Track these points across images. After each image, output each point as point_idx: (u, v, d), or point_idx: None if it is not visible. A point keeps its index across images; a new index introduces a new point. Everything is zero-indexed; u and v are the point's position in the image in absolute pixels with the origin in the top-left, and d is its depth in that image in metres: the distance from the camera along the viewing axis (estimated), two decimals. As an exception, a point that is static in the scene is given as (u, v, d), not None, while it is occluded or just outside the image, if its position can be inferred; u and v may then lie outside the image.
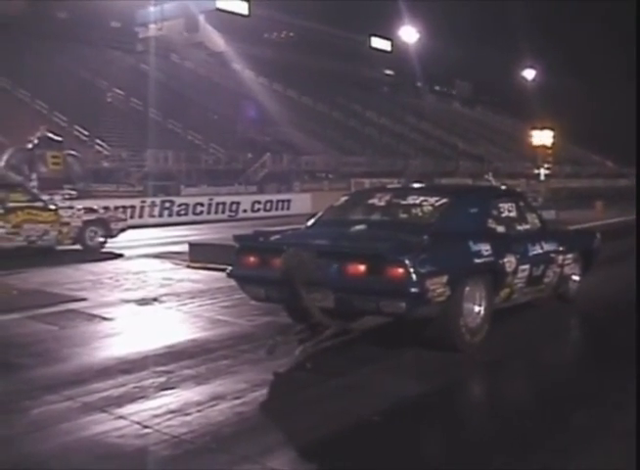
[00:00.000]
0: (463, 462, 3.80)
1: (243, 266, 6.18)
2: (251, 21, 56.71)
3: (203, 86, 45.70)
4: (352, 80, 60.38)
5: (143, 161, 31.74)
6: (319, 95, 52.53)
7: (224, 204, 25.44)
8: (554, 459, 3.79)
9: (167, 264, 11.56)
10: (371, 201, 6.99)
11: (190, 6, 54.22)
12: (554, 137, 40.66)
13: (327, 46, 61.17)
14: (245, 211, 25.86)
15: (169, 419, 4.29)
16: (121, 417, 4.33)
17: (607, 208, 22.31)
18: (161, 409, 4.46)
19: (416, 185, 8.74)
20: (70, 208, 14.19)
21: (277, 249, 5.83)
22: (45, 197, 14.23)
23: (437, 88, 74.08)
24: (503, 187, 13.74)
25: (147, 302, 8.20)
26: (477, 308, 5.95)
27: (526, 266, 6.57)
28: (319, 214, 7.14)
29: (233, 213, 25.27)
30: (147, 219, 21.99)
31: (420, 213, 6.50)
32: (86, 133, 32.37)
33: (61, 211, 13.39)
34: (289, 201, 28.16)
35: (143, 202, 22.89)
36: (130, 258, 12.74)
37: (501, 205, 6.83)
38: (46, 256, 12.60)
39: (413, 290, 5.20)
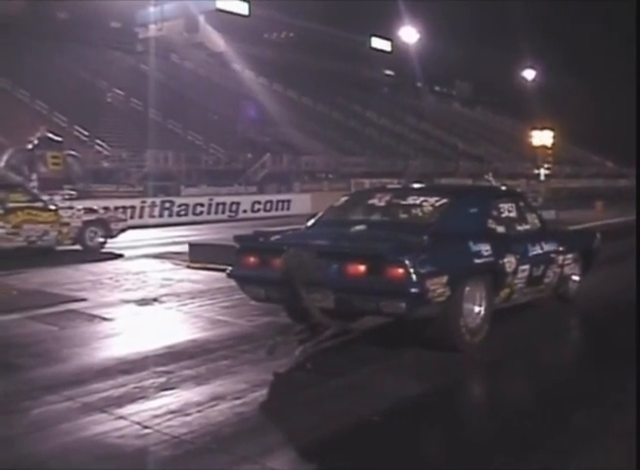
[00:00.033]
0: (463, 462, 3.81)
1: (243, 267, 6.18)
2: (251, 21, 56.73)
3: (203, 87, 45.71)
4: (352, 81, 60.38)
5: (143, 161, 31.75)
6: (319, 95, 52.53)
7: (224, 204, 25.44)
8: (554, 459, 3.79)
9: (167, 265, 11.56)
10: (371, 201, 6.99)
11: (190, 6, 54.23)
12: (554, 137, 40.71)
13: (327, 46, 61.17)
14: (245, 211, 25.86)
15: (169, 419, 4.29)
16: (121, 417, 4.33)
17: (607, 208, 22.33)
18: (162, 410, 4.46)
19: (416, 185, 8.73)
20: (70, 208, 14.19)
21: (277, 249, 5.83)
22: (45, 197, 14.22)
23: (437, 88, 74.08)
24: (503, 187, 13.74)
25: (147, 302, 8.20)
26: (477, 309, 5.95)
27: (526, 267, 6.57)
28: (319, 215, 7.14)
29: (233, 214, 25.27)
30: (147, 220, 21.99)
31: (420, 214, 6.50)
32: (86, 133, 32.37)
33: (61, 212, 13.39)
34: (289, 201, 28.16)
35: (143, 202, 22.89)
36: (130, 258, 12.73)
37: (501, 205, 6.83)
38: (46, 256, 12.60)
39: (413, 290, 5.20)
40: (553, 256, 7.17)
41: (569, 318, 7.73)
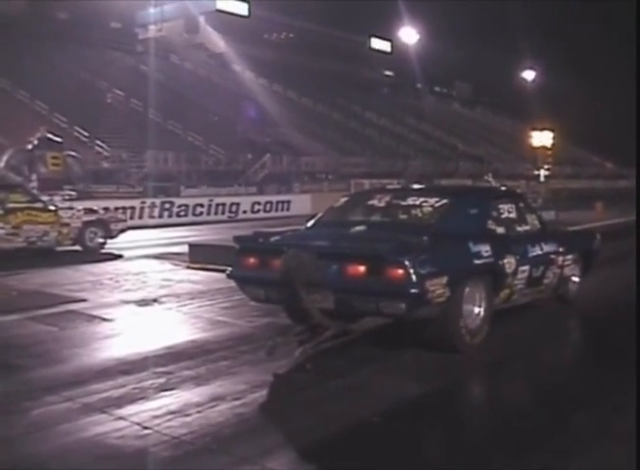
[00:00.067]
0: (463, 463, 3.81)
1: (243, 267, 6.18)
2: (252, 22, 56.73)
3: (203, 87, 45.72)
4: (352, 81, 60.39)
5: (143, 162, 31.75)
6: (319, 96, 52.54)
7: (224, 205, 25.44)
8: (554, 460, 3.79)
9: (167, 265, 11.56)
10: (371, 202, 6.99)
11: (190, 7, 54.23)
12: (554, 138, 40.70)
13: (327, 47, 61.17)
14: (244, 211, 25.86)
15: (169, 420, 4.29)
16: (121, 418, 4.33)
17: (607, 209, 22.34)
18: (161, 410, 4.46)
19: (416, 186, 8.73)
20: (70, 208, 14.19)
21: (277, 250, 5.83)
22: (45, 198, 14.24)
23: (437, 89, 74.08)
24: (503, 188, 13.74)
25: (147, 302, 8.20)
26: (476, 310, 5.95)
27: (526, 267, 6.57)
28: (319, 215, 7.14)
29: (233, 214, 25.26)
30: (147, 220, 22.00)
31: (420, 214, 6.50)
32: (86, 134, 32.37)
33: (60, 212, 13.39)
34: (288, 202, 28.16)
35: (143, 203, 22.89)
36: (130, 258, 12.73)
37: (501, 206, 6.83)
38: (46, 256, 12.60)
39: (413, 291, 5.21)
40: (553, 256, 7.17)
41: (568, 319, 7.74)
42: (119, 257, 13.01)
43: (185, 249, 12.12)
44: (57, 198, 17.60)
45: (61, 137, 24.52)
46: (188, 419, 4.31)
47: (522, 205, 7.23)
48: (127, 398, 4.73)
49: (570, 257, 7.54)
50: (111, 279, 10.11)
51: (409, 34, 58.52)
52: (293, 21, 59.37)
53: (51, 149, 22.94)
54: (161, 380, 5.09)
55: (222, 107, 42.46)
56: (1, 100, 32.79)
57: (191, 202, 24.76)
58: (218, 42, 54.74)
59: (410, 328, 5.83)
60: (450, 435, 4.29)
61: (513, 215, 6.91)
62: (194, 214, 24.10)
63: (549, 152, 40.63)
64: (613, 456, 3.87)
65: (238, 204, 26.01)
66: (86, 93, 36.26)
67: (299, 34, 63.00)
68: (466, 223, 6.30)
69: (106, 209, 16.94)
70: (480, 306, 5.97)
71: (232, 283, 6.56)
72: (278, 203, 27.84)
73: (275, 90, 51.76)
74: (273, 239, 6.46)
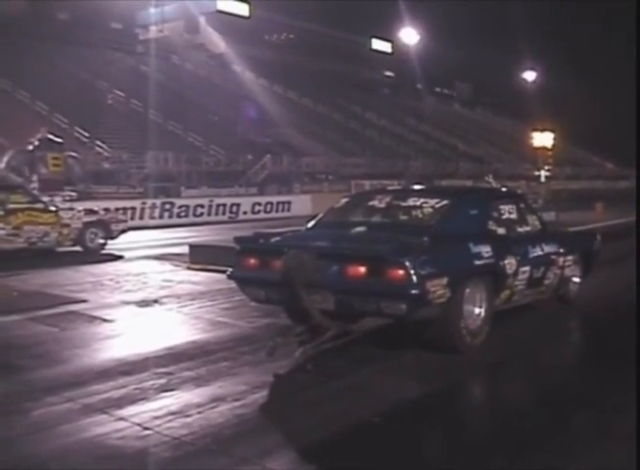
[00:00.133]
0: (463, 463, 3.81)
1: (243, 268, 6.19)
2: (252, 22, 56.74)
3: (203, 88, 45.72)
4: (353, 82, 60.39)
5: (143, 162, 31.74)
6: (319, 96, 52.54)
7: (224, 205, 25.43)
8: (554, 461, 3.79)
9: (168, 266, 11.56)
10: (371, 203, 6.99)
11: (190, 7, 54.24)
12: (554, 139, 40.63)
13: (327, 48, 61.19)
14: (245, 212, 25.86)
15: (170, 421, 4.29)
16: (122, 419, 4.34)
17: (607, 209, 22.34)
18: (162, 411, 4.46)
19: (416, 187, 8.73)
20: (71, 209, 14.19)
21: (277, 250, 5.84)
22: (45, 198, 14.24)
23: (438, 90, 74.07)
24: (503, 189, 13.73)
25: (147, 303, 8.21)
26: (477, 310, 5.95)
27: (527, 268, 6.57)
28: (319, 216, 7.14)
29: (233, 215, 25.27)
30: (147, 221, 22.00)
31: (420, 215, 6.51)
32: (87, 135, 32.38)
33: (61, 213, 13.39)
34: (289, 202, 28.16)
35: (143, 203, 22.89)
36: (130, 259, 12.74)
37: (501, 206, 6.83)
38: (46, 257, 12.61)
39: (413, 291, 5.21)
40: (553, 257, 7.17)
41: (569, 320, 7.74)
42: (120, 257, 13.01)
43: (185, 249, 12.12)
44: (57, 198, 17.62)
45: (61, 138, 24.53)
46: (188, 420, 4.31)
47: (522, 205, 7.23)
48: (128, 398, 4.73)
49: (570, 257, 7.55)
50: (111, 280, 10.12)
51: (410, 35, 58.49)
52: (293, 21, 59.38)
53: (51, 149, 22.95)
54: (162, 381, 5.10)
55: (222, 107, 42.47)
56: (1, 100, 32.80)
57: (191, 202, 24.76)
58: (219, 43, 54.76)
59: (410, 329, 5.84)
60: (451, 435, 4.29)
61: (513, 216, 6.92)
62: (194, 215, 24.10)
63: (549, 152, 40.55)
64: (613, 456, 3.87)
65: (238, 204, 26.01)
66: (87, 93, 36.27)
67: (300, 35, 63.01)
68: (466, 224, 6.31)
69: (106, 209, 16.92)
70: (480, 307, 5.97)
71: (232, 284, 6.57)
72: (278, 203, 27.84)
73: (275, 91, 51.77)
74: (273, 240, 6.46)
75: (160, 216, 23.07)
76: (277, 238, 6.51)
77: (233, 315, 7.39)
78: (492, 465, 3.76)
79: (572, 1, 67.95)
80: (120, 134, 34.38)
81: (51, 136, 23.26)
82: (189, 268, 11.14)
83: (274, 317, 6.88)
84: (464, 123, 65.16)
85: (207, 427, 4.20)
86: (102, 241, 13.85)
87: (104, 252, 13.66)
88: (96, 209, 15.02)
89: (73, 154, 25.48)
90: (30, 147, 22.57)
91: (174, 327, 7.08)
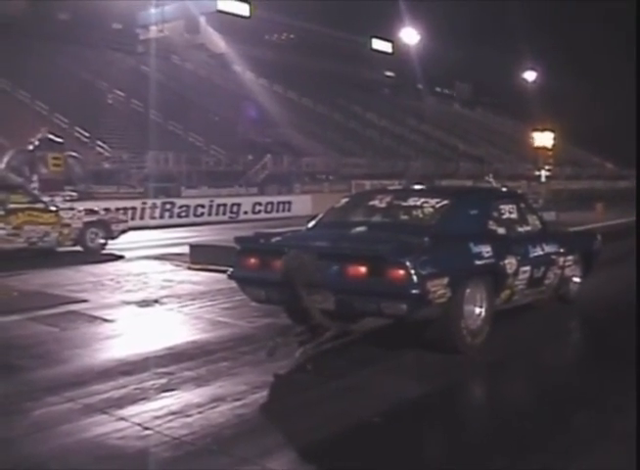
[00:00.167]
0: (463, 463, 3.81)
1: (243, 268, 6.19)
2: (252, 22, 56.74)
3: (203, 88, 45.72)
4: (353, 82, 60.36)
5: (144, 162, 31.72)
6: (320, 97, 52.53)
7: (225, 205, 25.43)
8: (554, 461, 3.79)
9: (168, 266, 11.56)
10: (371, 202, 6.99)
11: (191, 7, 54.24)
12: (554, 139, 40.63)
13: (328, 48, 61.19)
14: (245, 212, 25.85)
15: (170, 421, 4.29)
16: (122, 419, 4.34)
17: (607, 209, 22.33)
18: (162, 411, 4.46)
19: (416, 187, 8.73)
20: (71, 209, 14.19)
21: (278, 250, 5.84)
22: (46, 198, 14.23)
23: (438, 90, 74.06)
24: (504, 189, 13.73)
25: (148, 303, 8.21)
26: (477, 310, 5.95)
27: (527, 268, 6.57)
28: (320, 216, 7.14)
29: (234, 215, 25.26)
30: (148, 221, 21.99)
31: (421, 215, 6.51)
32: (87, 135, 32.37)
33: (61, 213, 13.39)
34: (289, 202, 28.16)
35: (144, 203, 22.88)
36: (131, 259, 12.74)
37: (502, 206, 6.84)
38: (47, 257, 12.61)
39: (414, 291, 5.21)
40: (554, 257, 7.18)
41: (569, 320, 7.74)
42: (120, 257, 13.01)
43: (186, 249, 12.12)
44: (58, 198, 17.61)
45: (62, 138, 24.52)
46: (189, 420, 4.31)
47: (522, 205, 7.24)
48: (128, 398, 4.73)
49: (570, 257, 7.55)
50: (112, 280, 10.12)
51: (410, 35, 58.49)
52: (293, 21, 59.37)
53: (52, 149, 22.94)
54: (162, 381, 5.10)
55: (223, 107, 42.47)
56: (2, 100, 32.80)
57: (192, 202, 24.76)
58: (219, 43, 54.75)
59: (411, 329, 5.84)
60: (451, 435, 4.29)
61: (514, 216, 6.92)
62: (195, 215, 24.10)
63: (550, 152, 40.55)
64: (613, 456, 3.87)
65: (239, 204, 26.01)
66: (87, 94, 36.27)
67: (300, 35, 63.01)
68: (467, 224, 6.31)
69: (107, 209, 16.91)
70: (481, 307, 5.97)
71: (233, 284, 6.57)
72: (279, 203, 27.84)
73: (275, 91, 51.75)
74: (274, 240, 6.46)
75: (161, 216, 23.07)
76: (277, 238, 6.51)
77: (233, 315, 7.40)
78: (493, 465, 3.76)
79: (573, 1, 67.96)
80: (121, 134, 34.38)
81: (51, 136, 23.25)
82: (189, 268, 11.14)
83: (274, 317, 6.88)
84: (464, 123, 65.14)
85: (208, 427, 4.20)
86: (102, 241, 13.85)
87: (104, 252, 13.66)
88: (96, 208, 15.02)
89: (74, 154, 25.48)
90: (31, 147, 22.57)
91: (175, 327, 7.08)
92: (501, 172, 44.12)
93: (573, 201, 29.45)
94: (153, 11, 53.34)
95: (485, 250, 5.96)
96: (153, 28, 52.84)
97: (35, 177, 21.24)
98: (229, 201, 26.10)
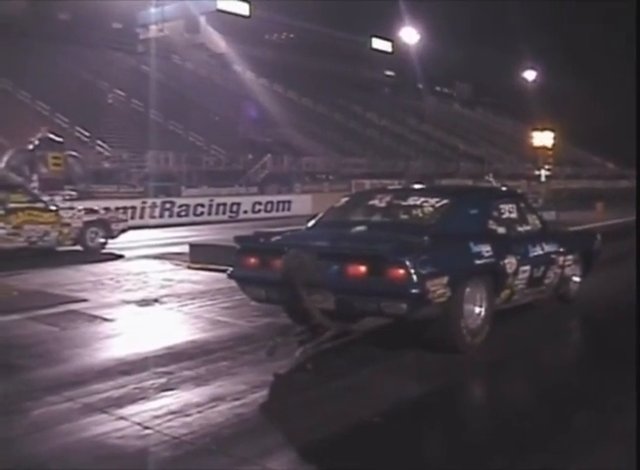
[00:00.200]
0: (464, 463, 3.81)
1: (243, 267, 6.18)
2: (252, 22, 56.76)
3: (203, 87, 45.73)
4: (353, 82, 60.38)
5: (144, 162, 31.76)
6: (320, 96, 52.54)
7: (225, 205, 25.44)
8: (554, 460, 3.79)
9: (168, 265, 11.56)
10: (371, 202, 6.99)
11: (191, 7, 54.25)
12: (554, 138, 40.61)
13: (328, 47, 61.21)
14: (245, 212, 25.85)
15: (170, 420, 4.29)
16: (122, 418, 4.34)
17: (607, 209, 22.33)
18: (162, 410, 4.46)
19: (416, 186, 8.73)
20: (71, 208, 14.19)
21: (278, 250, 5.83)
22: (46, 198, 14.24)
23: (438, 89, 74.05)
24: (504, 188, 13.72)
25: (147, 303, 8.21)
26: (477, 310, 5.95)
27: (527, 267, 6.57)
28: (320, 216, 7.14)
29: (234, 214, 25.27)
30: (147, 220, 21.99)
31: (420, 215, 6.50)
32: (87, 134, 32.39)
33: (61, 212, 13.39)
34: (289, 202, 28.16)
35: (144, 203, 22.89)
36: (131, 258, 12.74)
37: (502, 206, 6.83)
38: (47, 257, 12.60)
39: (414, 291, 5.21)
40: (554, 257, 7.17)
41: (569, 319, 7.74)
42: (120, 257, 13.01)
43: (186, 249, 12.12)
44: (58, 198, 17.62)
45: (62, 137, 24.54)
46: (188, 419, 4.31)
47: (522, 205, 7.23)
48: (128, 398, 4.73)
49: (570, 257, 7.55)
50: (111, 279, 10.12)
51: (410, 34, 58.50)
52: (293, 21, 59.39)
53: (52, 149, 22.95)
54: (162, 380, 5.10)
55: (223, 107, 42.49)
56: (2, 100, 32.81)
57: (192, 202, 24.76)
58: (219, 42, 54.77)
59: (411, 328, 5.83)
60: (451, 435, 4.29)
61: (514, 216, 6.92)
62: (195, 214, 24.10)
63: (550, 152, 40.54)
64: (613, 456, 3.87)
65: (239, 204, 26.01)
66: (87, 93, 36.30)
67: (300, 34, 63.03)
68: (467, 223, 6.31)
69: (107, 209, 16.92)
70: (480, 307, 5.97)
71: (233, 283, 6.57)
72: (279, 203, 27.84)
73: (276, 90, 51.78)
74: (274, 239, 6.45)
75: (161, 216, 23.07)
76: (277, 237, 6.51)
77: (233, 315, 7.39)
78: (493, 465, 3.76)
79: (573, 1, 67.95)
80: (121, 134, 34.39)
81: (51, 136, 23.26)
82: (189, 267, 11.14)
83: (274, 317, 6.88)
84: (464, 123, 65.17)
85: (207, 426, 4.20)
86: (102, 240, 13.85)
87: (104, 251, 13.66)
88: (96, 208, 15.02)
89: (74, 153, 25.49)
90: (31, 146, 22.57)
91: (174, 326, 7.08)
92: (501, 172, 44.16)
93: (573, 200, 29.42)
94: (153, 10, 53.37)
95: (485, 249, 5.96)
96: (153, 28, 52.86)
97: (35, 177, 21.23)
98: (229, 200, 26.10)
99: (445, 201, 6.54)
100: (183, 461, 3.77)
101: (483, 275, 5.99)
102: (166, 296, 8.63)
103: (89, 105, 34.43)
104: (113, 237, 14.07)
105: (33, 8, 44.97)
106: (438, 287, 5.35)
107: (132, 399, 4.69)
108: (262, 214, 26.09)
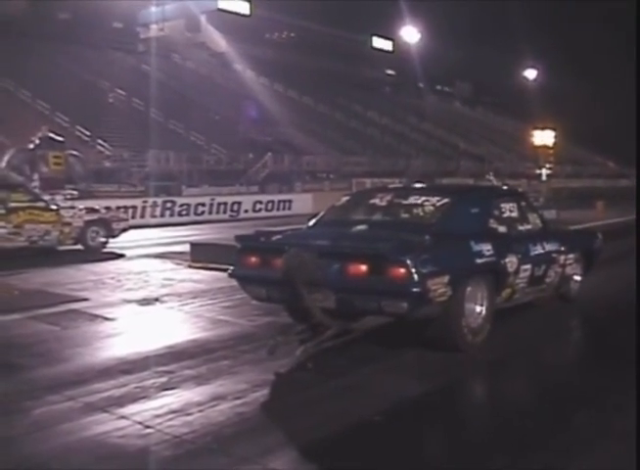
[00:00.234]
0: (464, 462, 3.81)
1: (244, 266, 6.18)
2: (253, 21, 56.74)
3: (204, 87, 45.72)
4: (354, 80, 60.36)
5: (144, 161, 31.76)
6: (320, 95, 52.53)
7: (226, 204, 25.44)
8: (555, 459, 3.79)
9: (169, 264, 11.56)
10: (372, 201, 6.99)
11: (191, 6, 54.22)
12: (555, 137, 40.57)
13: (328, 46, 61.19)
14: (246, 211, 25.85)
15: (171, 419, 4.29)
16: (123, 417, 4.34)
17: (608, 208, 22.32)
18: (163, 409, 4.46)
19: (417, 185, 8.73)
20: (72, 208, 14.20)
21: (278, 249, 5.83)
22: (47, 197, 14.24)
23: (439, 88, 74.00)
24: (504, 187, 13.73)
25: (148, 302, 8.21)
26: (478, 308, 5.94)
27: (528, 266, 6.56)
28: (320, 215, 7.13)
29: (234, 214, 25.27)
30: (148, 219, 21.99)
31: (421, 213, 6.50)
32: (88, 133, 32.39)
33: (62, 212, 13.39)
34: (290, 201, 28.16)
35: (144, 202, 22.89)
36: (132, 258, 12.74)
37: (502, 205, 6.83)
38: (48, 256, 12.61)
39: (415, 290, 5.20)
40: (554, 255, 7.17)
41: (570, 318, 7.73)
42: (121, 256, 13.01)
43: (187, 248, 12.12)
44: (58, 197, 17.64)
45: (62, 136, 24.56)
46: (189, 418, 4.31)
47: (523, 204, 7.23)
48: (129, 397, 4.73)
49: (571, 255, 7.54)
50: (112, 278, 10.12)
51: (411, 33, 58.50)
52: (294, 20, 59.35)
53: (53, 148, 22.98)
54: (163, 379, 5.10)
55: (224, 106, 42.48)
56: (4, 100, 32.81)
57: (192, 201, 24.77)
58: (220, 41, 54.73)
59: (411, 327, 5.83)
60: (451, 434, 4.29)
61: (514, 214, 6.91)
62: (195, 214, 24.10)
63: (550, 151, 40.50)
64: (613, 455, 3.87)
65: (239, 203, 26.01)
66: (88, 93, 36.30)
67: (301, 33, 63.00)
68: (467, 222, 6.30)
69: (107, 208, 16.92)
70: (481, 305, 5.97)
71: (233, 282, 6.57)
72: (279, 202, 27.84)
73: (276, 89, 51.76)
74: (274, 238, 6.45)
75: (162, 215, 23.07)
76: (278, 236, 6.50)
77: (234, 314, 7.39)
78: (493, 464, 3.76)
79: (573, 1, 67.91)
80: (122, 133, 34.38)
81: (52, 135, 23.29)
82: (190, 267, 11.14)
83: (275, 316, 6.88)
84: (465, 122, 65.14)
85: (208, 425, 4.20)
86: (103, 239, 13.85)
87: (105, 250, 13.66)
88: (97, 207, 15.02)
89: (75, 152, 25.53)
90: (31, 146, 22.60)
91: (175, 325, 7.08)
92: (502, 171, 44.08)
93: (574, 199, 29.38)
94: (153, 9, 53.33)
95: (486, 248, 5.96)
96: (153, 27, 52.85)
97: (36, 176, 21.26)
98: (230, 199, 26.10)
99: (446, 200, 6.53)
100: (184, 460, 3.77)
101: (484, 274, 5.99)
102: (167, 295, 8.64)
103: (90, 104, 34.42)
104: (113, 236, 14.07)
105: (33, 8, 44.95)
106: (439, 286, 5.35)
107: (133, 399, 4.69)
108: (263, 214, 26.09)
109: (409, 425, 4.30)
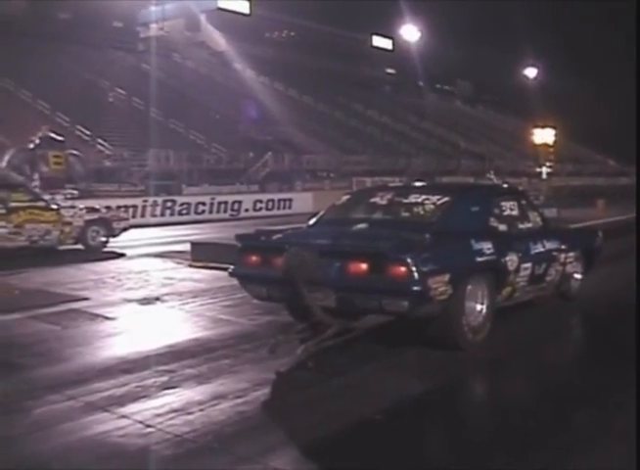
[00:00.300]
0: (465, 461, 3.80)
1: (245, 265, 6.18)
2: (253, 20, 56.73)
3: (204, 86, 45.73)
4: (354, 79, 60.36)
5: (145, 160, 31.77)
6: (320, 94, 52.53)
7: (226, 203, 25.46)
8: (555, 458, 3.78)
9: (169, 264, 11.57)
10: (373, 200, 6.98)
11: (191, 5, 54.24)
12: (556, 135, 40.57)
13: (328, 45, 61.17)
14: (246, 210, 25.87)
15: (172, 418, 4.29)
16: (124, 416, 4.34)
17: (608, 206, 22.31)
18: (164, 408, 4.46)
19: (418, 184, 8.73)
20: (72, 207, 14.20)
21: (279, 248, 5.83)
22: (47, 197, 14.25)
23: (439, 87, 73.97)
24: (505, 185, 13.72)
25: (149, 301, 8.21)
26: (479, 307, 5.94)
27: (529, 265, 6.56)
28: (321, 213, 7.13)
29: (235, 213, 25.28)
30: (149, 219, 22.01)
31: (422, 212, 6.49)
32: (88, 133, 32.40)
33: (63, 211, 13.40)
34: (290, 200, 28.17)
35: (145, 201, 22.91)
36: (132, 257, 12.74)
37: (503, 203, 6.83)
38: (48, 255, 12.61)
39: (415, 288, 5.20)
40: (555, 254, 7.17)
41: (570, 317, 7.73)
42: (122, 255, 13.02)
43: (187, 247, 12.12)
44: (59, 197, 17.64)
45: (63, 136, 24.56)
46: (190, 417, 4.31)
47: (523, 202, 7.23)
48: (130, 396, 4.73)
49: (572, 254, 7.54)
50: (113, 278, 10.12)
51: (411, 32, 58.49)
52: (294, 19, 59.37)
53: (53, 148, 22.99)
54: (164, 378, 5.10)
55: (224, 105, 42.48)
56: (4, 100, 32.82)
57: (193, 200, 24.79)
58: (220, 40, 54.73)
59: (412, 326, 5.83)
60: (452, 433, 4.29)
61: (515, 213, 6.91)
62: (196, 213, 24.12)
63: (551, 149, 40.50)
64: (614, 454, 3.87)
65: (240, 202, 26.03)
66: (88, 92, 36.30)
67: (301, 32, 63.01)
68: (468, 221, 6.30)
69: (108, 207, 16.95)
70: (482, 304, 5.96)
71: (234, 281, 6.56)
72: (280, 201, 27.86)
73: (276, 88, 51.77)
74: (275, 237, 6.45)
75: (162, 214, 23.09)
76: (278, 235, 6.50)
77: (234, 313, 7.39)
78: (494, 463, 3.75)
79: (574, 0, 67.87)
80: (122, 132, 34.40)
81: (52, 134, 23.29)
82: (191, 266, 11.14)
83: (275, 315, 6.88)
84: (466, 121, 65.13)
85: (209, 424, 4.20)
86: (103, 239, 13.85)
87: (105, 250, 13.66)
88: (97, 207, 15.03)
89: (75, 152, 25.53)
90: (32, 145, 22.60)
91: (176, 325, 7.08)
92: (502, 169, 44.09)
93: (574, 197, 29.38)
94: (153, 9, 53.33)
95: (487, 247, 5.95)
96: (153, 26, 52.86)
97: (36, 176, 21.27)
98: (230, 198, 26.11)
99: (446, 198, 6.53)
100: (185, 460, 3.77)
101: (485, 273, 5.98)
102: (168, 294, 8.64)
103: (90, 104, 34.43)
104: (114, 236, 14.07)
105: (34, 8, 44.95)
106: (440, 284, 5.35)
107: (134, 398, 4.69)
108: (263, 213, 26.11)
109: (410, 424, 4.30)
